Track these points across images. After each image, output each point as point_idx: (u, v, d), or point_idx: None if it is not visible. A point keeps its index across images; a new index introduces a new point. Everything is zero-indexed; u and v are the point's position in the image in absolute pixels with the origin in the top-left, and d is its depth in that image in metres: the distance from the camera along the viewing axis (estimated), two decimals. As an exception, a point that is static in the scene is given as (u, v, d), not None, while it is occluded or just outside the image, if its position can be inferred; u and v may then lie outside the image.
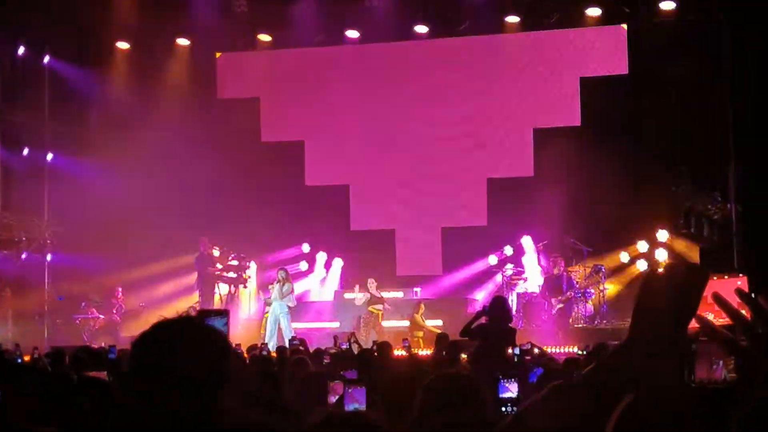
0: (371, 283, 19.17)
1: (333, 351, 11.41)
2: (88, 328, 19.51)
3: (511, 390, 4.54)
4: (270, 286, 18.86)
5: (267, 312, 18.90)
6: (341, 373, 8.41)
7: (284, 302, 18.32)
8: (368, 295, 19.18)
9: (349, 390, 4.76)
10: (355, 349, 12.58)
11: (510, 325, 10.05)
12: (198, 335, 2.26)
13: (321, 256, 21.91)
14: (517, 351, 9.86)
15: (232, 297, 20.41)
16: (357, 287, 19.73)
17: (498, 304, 10.12)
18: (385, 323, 19.12)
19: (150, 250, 20.23)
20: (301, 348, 12.65)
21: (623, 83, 20.24)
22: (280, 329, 18.18)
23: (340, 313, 20.05)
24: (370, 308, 18.85)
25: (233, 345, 11.92)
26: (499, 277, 20.21)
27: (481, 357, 9.36)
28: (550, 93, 21.00)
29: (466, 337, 9.93)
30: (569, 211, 19.44)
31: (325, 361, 10.16)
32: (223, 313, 3.26)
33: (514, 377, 4.52)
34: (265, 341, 16.95)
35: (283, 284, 18.39)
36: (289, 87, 22.27)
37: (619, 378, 1.81)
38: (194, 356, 2.20)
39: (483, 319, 9.92)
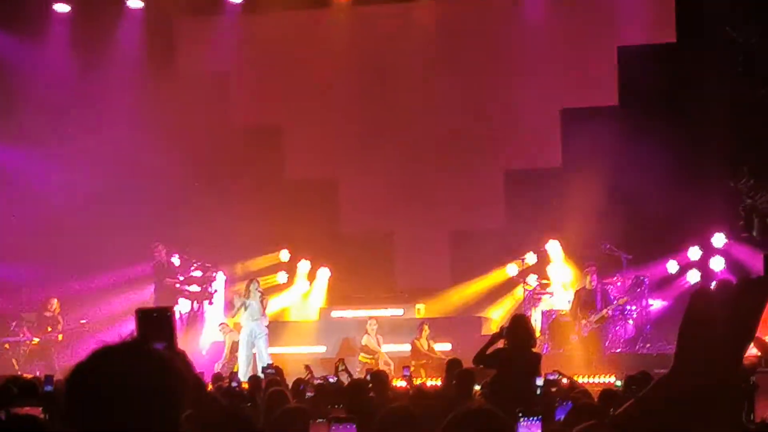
0: (371, 325, 18.93)
1: (318, 382, 11.41)
2: (19, 353, 19.49)
3: (532, 432, 4.53)
4: (236, 300, 18.70)
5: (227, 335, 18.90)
6: (328, 408, 8.44)
7: (260, 320, 18.26)
8: (367, 337, 18.86)
9: (336, 430, 4.77)
10: (346, 380, 12.58)
11: (533, 350, 10.05)
12: (148, 366, 2.26)
13: (303, 266, 21.93)
14: (541, 381, 9.87)
15: (194, 315, 20.41)
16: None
17: (518, 324, 10.13)
18: (384, 348, 19.08)
19: (95, 258, 20.21)
20: (278, 378, 12.66)
21: (670, 53, 20.29)
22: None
23: (326, 336, 20.07)
24: (361, 357, 18.64)
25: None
26: (520, 291, 20.26)
27: (499, 389, 9.37)
28: (582, 66, 21.03)
29: (480, 364, 9.93)
30: (605, 210, 19.46)
31: (308, 394, 10.15)
32: (165, 313, 3.16)
33: (537, 415, 4.50)
34: (236, 370, 16.94)
35: (264, 297, 18.28)
36: (264, 59, 22.29)
37: (660, 421, 1.81)
38: (143, 394, 2.20)
39: (500, 343, 9.93)
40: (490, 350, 9.92)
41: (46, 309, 19.96)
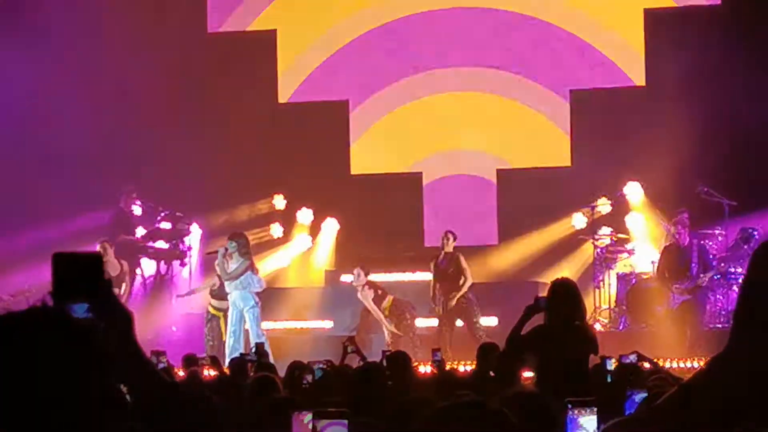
0: (357, 275, 18.87)
1: (319, 367, 11.46)
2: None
3: (585, 427, 4.55)
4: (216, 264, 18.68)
5: (211, 309, 18.95)
6: (327, 400, 8.48)
7: (245, 290, 18.28)
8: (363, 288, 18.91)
9: (323, 428, 4.80)
10: (358, 364, 12.63)
11: (582, 324, 10.04)
12: (60, 340, 2.29)
13: (304, 216, 21.96)
14: (609, 365, 9.88)
15: (162, 280, 20.52)
16: (358, 272, 19.36)
17: (560, 290, 10.16)
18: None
19: (24, 207, 20.38)
20: (267, 362, 12.74)
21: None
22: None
23: (333, 307, 20.14)
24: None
25: (153, 353, 12.06)
26: (589, 249, 20.24)
27: (545, 376, 9.42)
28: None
29: (514, 349, 9.93)
30: (700, 143, 19.38)
31: (306, 380, 10.20)
32: (94, 260, 2.97)
33: (591, 407, 4.51)
34: (217, 352, 17.05)
35: (230, 258, 18.18)
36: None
37: (710, 410, 1.83)
38: (55, 375, 2.23)
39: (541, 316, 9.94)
40: (523, 329, 9.94)
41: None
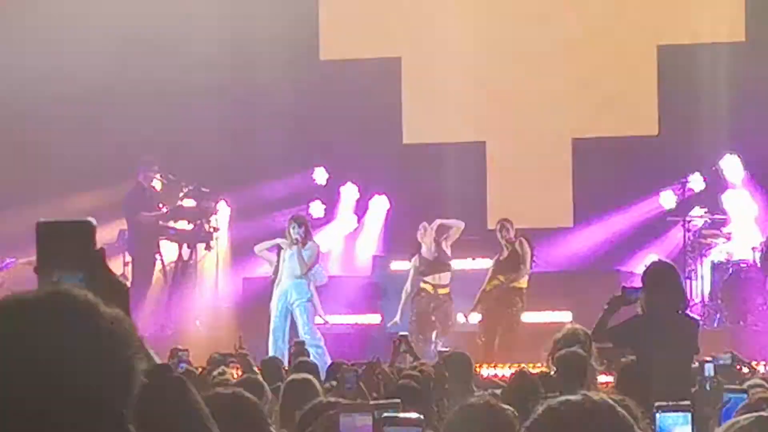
0: (425, 230, 18.87)
1: (365, 368, 11.49)
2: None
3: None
4: (283, 246, 18.66)
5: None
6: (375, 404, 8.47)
7: (304, 280, 18.40)
8: (419, 257, 18.93)
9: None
10: (408, 364, 12.68)
11: (686, 313, 9.99)
12: (78, 327, 2.29)
13: (348, 192, 22.01)
14: (708, 370, 9.79)
15: (185, 266, 20.58)
16: (415, 257, 19.43)
17: (660, 277, 10.09)
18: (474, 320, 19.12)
19: (33, 181, 20.48)
20: (308, 361, 12.76)
21: None
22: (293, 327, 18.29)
23: (382, 299, 20.18)
24: (423, 284, 18.71)
25: (174, 352, 12.09)
26: (679, 233, 20.15)
27: (636, 375, 9.35)
28: None
29: (602, 341, 9.91)
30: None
31: (348, 385, 10.19)
32: (84, 227, 2.95)
33: (686, 411, 4.45)
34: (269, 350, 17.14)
35: (303, 245, 18.33)
36: None
37: None
38: (72, 367, 2.23)
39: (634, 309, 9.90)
40: (612, 322, 9.90)
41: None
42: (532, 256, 18.67)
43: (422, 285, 18.90)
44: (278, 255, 18.61)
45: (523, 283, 18.61)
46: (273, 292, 18.58)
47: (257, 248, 19.31)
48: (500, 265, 18.65)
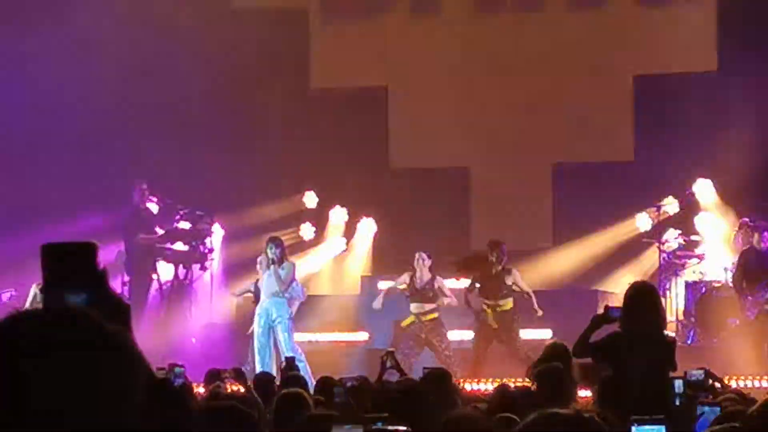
0: (420, 261, 19.00)
1: (353, 382, 11.50)
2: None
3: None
4: (259, 264, 18.72)
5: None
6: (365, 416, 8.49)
7: (283, 298, 18.38)
8: (407, 282, 18.94)
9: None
10: (395, 379, 12.68)
11: (664, 332, 10.01)
12: (73, 339, 2.30)
13: (337, 215, 21.99)
14: (679, 386, 9.80)
15: (181, 285, 20.56)
16: (405, 276, 19.47)
17: (640, 295, 10.10)
18: (453, 336, 19.12)
19: (36, 207, 20.49)
20: (298, 375, 12.76)
21: None
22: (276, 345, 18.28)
23: (370, 317, 20.10)
24: (413, 312, 18.67)
25: (167, 366, 12.09)
26: (654, 254, 20.18)
27: (614, 390, 9.37)
28: None
29: (583, 356, 9.92)
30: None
31: (336, 399, 10.20)
32: (87, 248, 2.94)
33: (661, 424, 4.47)
34: (251, 365, 17.09)
35: (279, 264, 18.35)
36: None
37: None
38: (65, 374, 2.24)
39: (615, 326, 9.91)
40: (593, 337, 9.91)
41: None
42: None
43: (410, 317, 18.90)
44: (255, 284, 18.67)
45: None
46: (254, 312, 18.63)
47: (236, 291, 19.41)
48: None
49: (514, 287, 18.56)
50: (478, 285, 18.60)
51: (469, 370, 17.85)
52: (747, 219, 18.56)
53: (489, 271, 18.56)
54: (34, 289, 18.70)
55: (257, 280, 18.66)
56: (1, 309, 19.42)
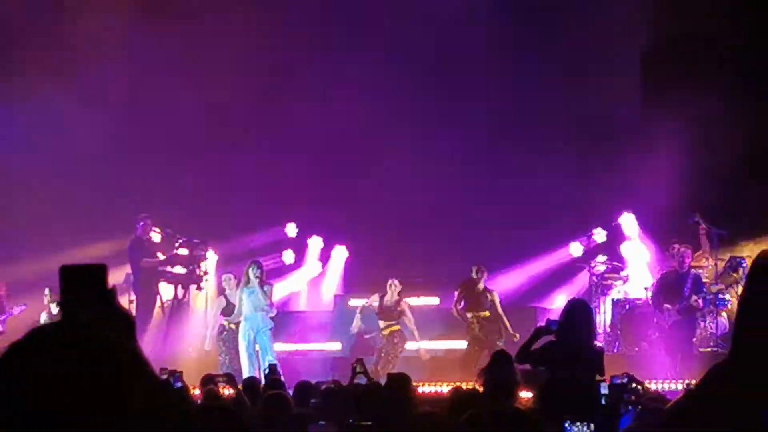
0: (393, 286, 18.99)
1: (328, 386, 11.49)
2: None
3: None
4: (228, 289, 18.84)
5: (225, 329, 18.94)
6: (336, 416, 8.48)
7: (265, 313, 18.44)
8: (376, 303, 18.96)
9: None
10: (364, 382, 12.65)
11: (595, 343, 10.04)
12: (87, 348, 2.29)
13: (314, 243, 21.96)
14: (604, 388, 9.84)
15: (179, 303, 20.50)
16: (375, 296, 19.49)
17: (573, 310, 10.12)
18: (415, 346, 19.09)
19: (52, 236, 20.35)
20: (279, 379, 12.74)
21: None
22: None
23: (342, 330, 20.05)
24: (384, 329, 18.69)
25: (167, 371, 12.03)
26: (585, 276, 20.21)
27: (551, 393, 9.38)
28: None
29: (524, 363, 9.94)
30: (694, 175, 19.37)
31: (312, 401, 10.23)
32: (99, 270, 2.99)
33: (590, 422, 4.47)
34: (227, 371, 17.00)
35: (262, 284, 18.41)
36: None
37: (719, 410, 1.81)
38: (83, 380, 2.23)
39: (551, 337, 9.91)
40: (535, 345, 9.93)
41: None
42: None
43: (381, 331, 18.90)
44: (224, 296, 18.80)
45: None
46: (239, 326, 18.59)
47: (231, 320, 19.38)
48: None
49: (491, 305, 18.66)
50: (463, 301, 18.68)
51: (463, 370, 17.68)
52: (676, 243, 18.53)
53: (473, 288, 18.62)
54: (47, 293, 18.79)
55: (224, 294, 18.65)
56: (14, 320, 19.50)
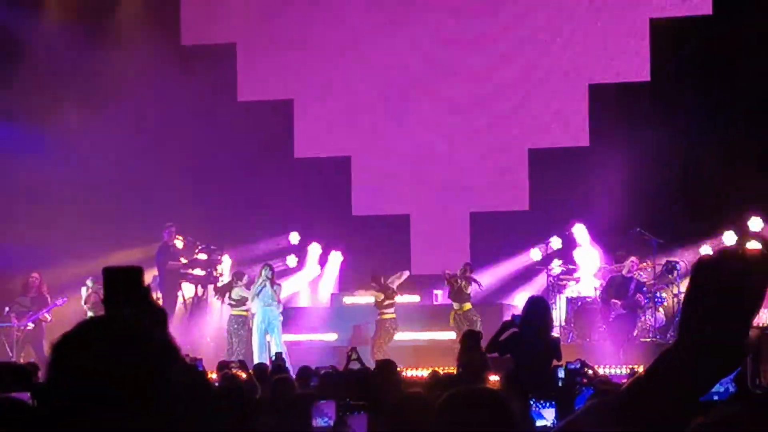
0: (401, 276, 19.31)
1: (326, 371, 11.48)
2: (12, 338, 19.50)
3: (545, 417, 4.54)
4: (241, 288, 18.92)
5: (235, 312, 19.01)
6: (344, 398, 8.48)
7: (276, 308, 18.54)
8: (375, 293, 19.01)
9: (349, 419, 4.79)
10: (357, 368, 12.62)
11: (552, 334, 10.08)
12: (130, 339, 2.30)
13: (314, 249, 21.95)
14: (560, 372, 9.89)
15: (198, 300, 20.47)
16: (358, 292, 19.67)
17: (534, 306, 10.16)
18: (399, 336, 19.09)
19: (90, 242, 20.32)
20: (282, 365, 12.75)
21: (708, 26, 20.20)
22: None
23: (338, 323, 20.11)
24: (383, 315, 18.72)
25: (188, 358, 12.04)
26: (543, 277, 20.25)
27: (516, 376, 9.40)
28: (612, 39, 20.94)
29: (493, 352, 9.97)
30: (635, 193, 19.43)
31: (312, 383, 10.23)
32: (136, 271, 3.05)
33: (550, 400, 4.51)
34: (237, 358, 17.02)
35: (272, 283, 18.58)
36: (273, 30, 22.28)
37: (667, 393, 1.82)
38: (126, 365, 2.23)
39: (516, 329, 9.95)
40: (503, 337, 9.97)
41: (29, 289, 19.90)
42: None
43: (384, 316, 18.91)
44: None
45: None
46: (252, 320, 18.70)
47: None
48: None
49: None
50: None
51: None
52: (625, 252, 18.71)
53: (456, 284, 18.73)
54: (89, 284, 19.03)
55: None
56: (57, 311, 19.46)
